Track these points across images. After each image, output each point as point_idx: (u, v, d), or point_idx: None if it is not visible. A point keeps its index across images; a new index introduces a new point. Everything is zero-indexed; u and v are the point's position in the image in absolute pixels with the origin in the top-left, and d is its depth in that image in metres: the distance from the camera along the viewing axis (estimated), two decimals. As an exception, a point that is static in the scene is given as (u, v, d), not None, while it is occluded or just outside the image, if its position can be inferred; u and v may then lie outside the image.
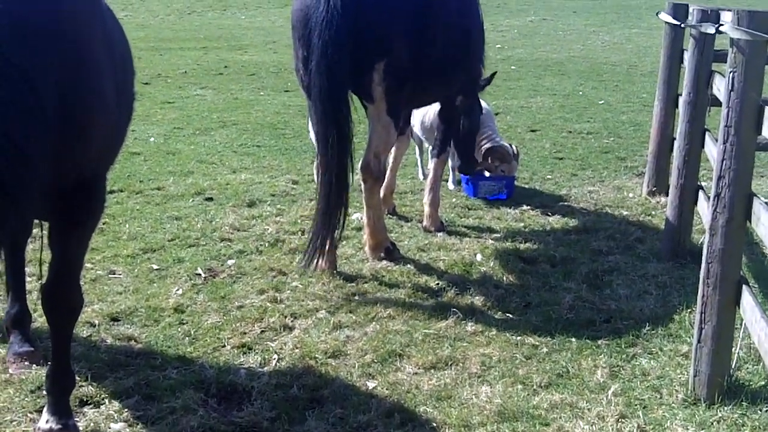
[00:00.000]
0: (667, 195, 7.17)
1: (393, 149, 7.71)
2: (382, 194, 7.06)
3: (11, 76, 3.04)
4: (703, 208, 5.95)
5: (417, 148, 9.04)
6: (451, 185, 8.73)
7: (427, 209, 7.35)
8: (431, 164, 7.46)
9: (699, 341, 4.54)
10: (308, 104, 6.22)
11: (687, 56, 6.93)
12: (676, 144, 6.98)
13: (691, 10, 7.12)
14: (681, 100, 7.09)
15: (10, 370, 4.70)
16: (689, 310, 5.53)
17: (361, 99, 6.42)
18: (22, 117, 3.05)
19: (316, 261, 6.06)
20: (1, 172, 2.95)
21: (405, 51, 6.08)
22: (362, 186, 6.55)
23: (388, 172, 7.61)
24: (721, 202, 4.38)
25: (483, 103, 8.53)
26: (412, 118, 8.15)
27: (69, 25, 3.41)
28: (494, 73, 8.09)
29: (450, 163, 8.58)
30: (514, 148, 8.51)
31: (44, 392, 4.23)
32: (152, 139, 10.56)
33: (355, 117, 6.18)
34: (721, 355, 4.50)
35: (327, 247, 6.05)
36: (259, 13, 28.11)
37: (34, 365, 4.72)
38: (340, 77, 5.84)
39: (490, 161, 8.29)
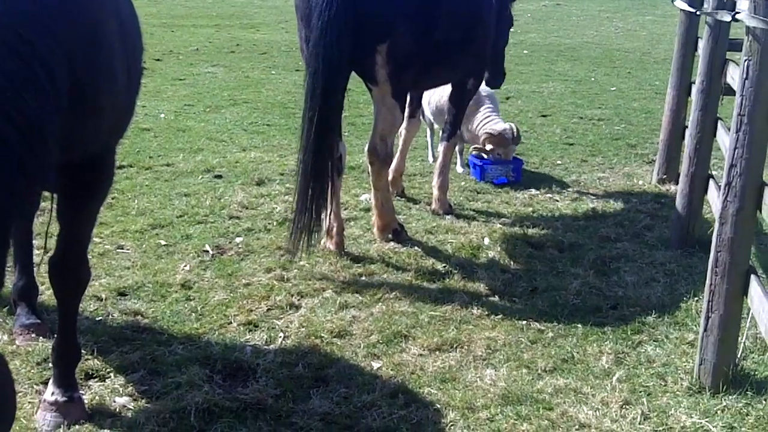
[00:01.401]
0: (677, 183, 7.13)
1: (403, 132, 7.70)
2: (391, 176, 7.04)
3: (24, 53, 3.04)
4: (713, 197, 5.92)
5: (428, 130, 9.02)
6: (459, 168, 8.72)
7: (435, 192, 7.33)
8: (441, 147, 7.44)
9: (705, 330, 4.53)
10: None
11: (701, 44, 6.89)
12: (687, 132, 6.94)
13: (706, -3, 7.08)
14: (694, 89, 7.05)
15: (17, 342, 4.73)
16: (696, 299, 5.52)
17: (365, 81, 6.39)
18: (35, 93, 3.05)
19: (299, 243, 5.91)
20: (16, 148, 2.95)
21: (408, 33, 6.01)
22: (369, 168, 6.53)
23: (397, 154, 7.60)
24: (732, 190, 4.36)
25: (484, 85, 8.45)
26: (423, 100, 8.13)
27: (82, 5, 3.40)
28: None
29: (458, 146, 8.56)
30: (514, 128, 8.41)
31: (50, 365, 4.25)
32: (162, 115, 10.56)
33: (366, 98, 6.15)
34: (727, 344, 4.49)
35: (317, 225, 5.98)
36: (272, -9, 28.01)
37: (41, 338, 4.75)
38: (336, 59, 5.77)
39: (487, 146, 8.24)
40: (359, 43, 5.87)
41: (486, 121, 8.31)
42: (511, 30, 7.93)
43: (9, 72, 2.99)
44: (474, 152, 8.38)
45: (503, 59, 7.87)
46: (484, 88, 8.48)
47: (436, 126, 8.68)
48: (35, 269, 5.10)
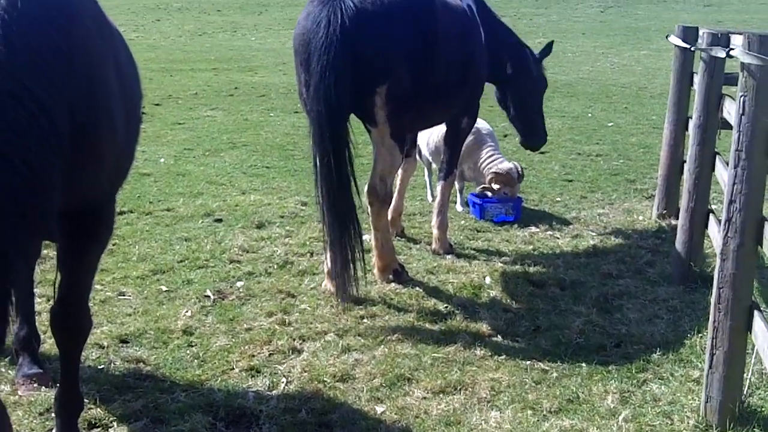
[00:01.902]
0: (678, 218, 7.14)
1: (400, 171, 7.73)
2: (390, 216, 7.05)
3: (27, 102, 3.06)
4: (714, 232, 5.92)
5: (426, 170, 9.05)
6: (459, 207, 8.73)
7: (435, 232, 7.34)
8: (439, 186, 7.46)
9: (710, 367, 4.50)
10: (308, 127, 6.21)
11: (697, 79, 6.93)
12: (686, 167, 6.96)
13: (701, 33, 7.13)
14: (691, 123, 7.08)
15: (20, 392, 4.70)
16: (700, 335, 5.50)
17: (364, 122, 6.43)
18: (37, 142, 3.07)
19: (349, 285, 6.01)
20: (18, 197, 2.96)
21: (406, 75, 6.09)
22: (369, 209, 6.55)
23: (395, 194, 7.61)
24: (732, 226, 4.36)
25: (483, 123, 8.55)
26: (418, 140, 8.17)
27: (80, 51, 3.42)
28: (551, 42, 8.44)
29: (457, 185, 8.58)
30: (519, 167, 8.49)
31: (53, 414, 4.22)
32: (162, 160, 10.60)
33: (362, 139, 6.18)
34: (732, 381, 4.46)
35: (352, 270, 6.02)
36: (270, 34, 28.26)
37: (43, 387, 4.72)
38: (338, 102, 5.84)
39: (494, 185, 8.28)
40: (358, 85, 5.93)
41: (491, 161, 8.35)
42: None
43: (13, 122, 3.01)
44: (479, 191, 8.40)
45: (540, 119, 8.08)
46: (484, 126, 8.56)
47: (433, 165, 8.72)
48: (37, 317, 5.09)
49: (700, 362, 5.09)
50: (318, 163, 5.98)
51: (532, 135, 8.12)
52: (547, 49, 8.21)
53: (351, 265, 6.01)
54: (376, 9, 5.95)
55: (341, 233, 5.96)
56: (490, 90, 7.84)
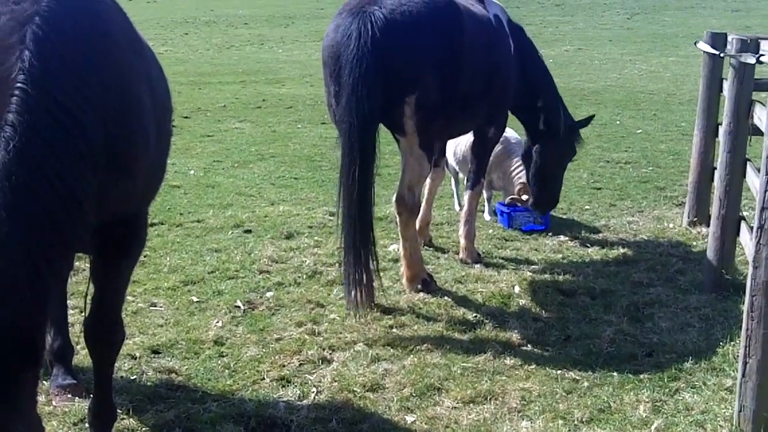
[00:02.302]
0: (708, 225, 7.09)
1: (428, 181, 7.75)
2: (417, 226, 7.07)
3: (62, 118, 3.10)
4: (746, 239, 5.88)
5: (453, 180, 9.05)
6: (487, 216, 8.72)
7: (462, 241, 7.34)
8: (466, 196, 7.46)
9: (743, 375, 4.46)
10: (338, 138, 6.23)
11: (726, 85, 6.89)
12: (716, 174, 6.91)
13: (729, 39, 7.09)
14: (721, 130, 7.03)
15: (54, 403, 4.75)
16: (733, 344, 5.46)
17: (393, 132, 6.45)
18: (71, 155, 3.11)
19: (356, 295, 6.00)
20: (52, 210, 3.01)
21: (434, 84, 6.13)
22: (397, 219, 6.56)
23: (423, 204, 7.62)
24: (764, 233, 4.32)
25: (511, 133, 8.55)
26: (447, 149, 8.18)
27: (113, 65, 3.47)
28: (592, 116, 8.43)
29: (485, 194, 8.58)
30: None
31: (87, 425, 4.27)
32: (192, 172, 10.67)
33: (390, 149, 6.19)
34: (766, 390, 4.42)
35: (364, 280, 6.03)
36: (296, 46, 28.39)
37: (77, 398, 4.77)
38: (369, 114, 5.88)
39: (523, 196, 8.26)
40: (388, 95, 5.97)
41: (520, 170, 8.34)
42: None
43: (47, 136, 3.06)
44: (508, 200, 8.39)
45: (553, 186, 7.97)
46: (513, 135, 8.57)
47: (460, 175, 8.72)
48: (70, 329, 5.14)
49: (733, 371, 5.05)
50: (344, 173, 6.01)
51: (543, 200, 8.00)
52: (586, 121, 8.21)
53: (365, 275, 5.99)
54: (404, 19, 5.99)
55: (357, 242, 5.96)
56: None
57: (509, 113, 7.53)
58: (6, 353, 2.81)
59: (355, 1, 6.15)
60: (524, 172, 8.36)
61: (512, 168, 8.45)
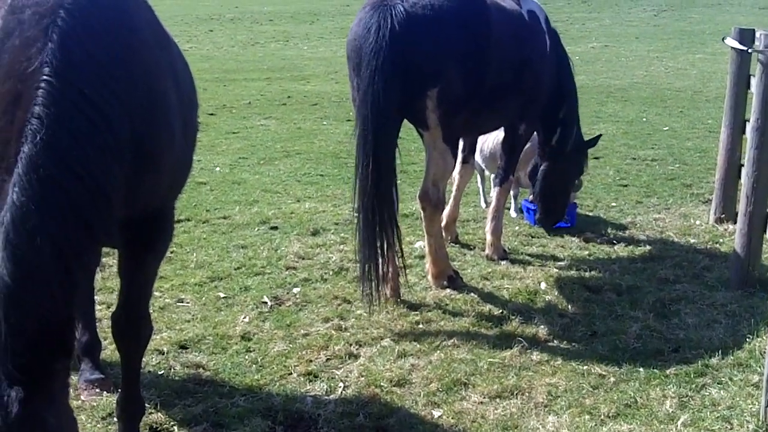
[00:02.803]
0: (735, 222, 7.06)
1: (456, 177, 7.75)
2: (444, 222, 7.07)
3: (88, 111, 3.13)
4: (773, 236, 5.85)
5: (478, 177, 9.04)
6: (513, 213, 8.72)
7: (489, 237, 7.34)
8: (494, 192, 7.46)
9: (771, 371, 4.45)
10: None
11: (754, 81, 6.85)
12: (744, 171, 6.88)
13: (758, 35, 7.04)
14: (749, 126, 6.99)
15: (82, 397, 4.81)
16: (759, 339, 5.44)
17: (416, 126, 6.46)
18: (98, 149, 3.13)
19: (373, 290, 5.97)
20: (83, 206, 3.04)
21: (457, 77, 6.11)
22: (422, 214, 6.57)
23: (451, 200, 7.64)
24: (792, 229, 4.31)
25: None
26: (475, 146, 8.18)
27: (139, 61, 3.50)
28: (599, 135, 8.48)
29: (512, 191, 8.57)
30: None
31: (115, 419, 4.32)
32: (218, 168, 10.73)
33: (417, 146, 6.20)
34: (794, 386, 4.41)
35: (381, 274, 6.03)
36: (321, 43, 28.43)
37: (105, 392, 4.83)
38: (385, 106, 5.88)
39: None
40: (409, 88, 5.97)
41: None
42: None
43: (75, 130, 3.08)
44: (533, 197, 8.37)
45: (557, 201, 7.96)
46: (540, 133, 8.53)
47: (486, 172, 8.72)
48: (98, 324, 5.19)
49: (760, 366, 5.03)
50: (359, 165, 6.00)
51: (549, 213, 8.03)
52: (595, 140, 8.25)
53: (381, 270, 5.97)
54: (426, 13, 6.00)
55: (372, 237, 5.94)
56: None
57: None
58: (37, 345, 2.86)
59: None
60: None
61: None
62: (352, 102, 6.50)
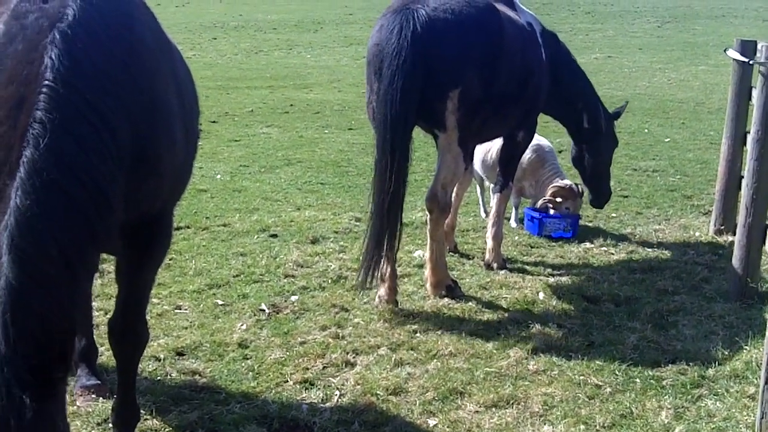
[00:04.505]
0: (734, 234, 7.05)
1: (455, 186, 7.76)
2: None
3: (89, 115, 3.14)
4: (772, 248, 5.84)
5: (478, 187, 9.05)
6: (513, 223, 8.72)
7: (490, 243, 7.34)
8: (494, 200, 7.47)
9: (766, 383, 4.44)
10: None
11: (755, 93, 6.85)
12: (744, 182, 6.88)
13: (759, 46, 7.04)
14: (749, 138, 6.99)
15: (78, 403, 4.80)
16: (756, 351, 5.43)
17: (432, 129, 6.50)
18: (100, 155, 3.14)
19: (370, 280, 6.10)
20: (86, 211, 3.04)
21: (476, 81, 6.23)
22: (427, 217, 6.59)
23: (449, 208, 7.65)
24: (788, 241, 4.30)
25: (544, 141, 8.58)
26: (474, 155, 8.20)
27: (142, 67, 3.51)
28: (626, 103, 9.16)
29: (513, 200, 8.58)
30: (579, 187, 8.48)
31: (110, 425, 4.32)
32: (219, 176, 10.74)
33: (418, 155, 6.21)
34: (789, 398, 4.40)
35: (381, 267, 6.11)
36: (324, 52, 28.45)
37: (101, 398, 4.82)
38: (404, 107, 5.97)
39: (557, 198, 8.26)
40: (430, 89, 6.08)
41: (554, 178, 8.37)
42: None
43: (78, 135, 3.09)
44: (541, 204, 8.37)
45: (607, 179, 8.47)
46: (545, 143, 8.61)
47: (486, 182, 8.73)
48: (95, 330, 5.19)
49: (756, 378, 5.02)
50: (378, 166, 6.07)
51: (599, 194, 8.51)
52: (621, 109, 8.77)
53: (382, 263, 6.12)
54: (448, 17, 6.13)
55: (382, 230, 6.05)
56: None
57: (552, 119, 7.72)
58: (45, 349, 2.85)
59: (399, 2, 6.24)
60: (558, 178, 8.38)
61: (545, 176, 8.46)
62: (367, 106, 6.55)
